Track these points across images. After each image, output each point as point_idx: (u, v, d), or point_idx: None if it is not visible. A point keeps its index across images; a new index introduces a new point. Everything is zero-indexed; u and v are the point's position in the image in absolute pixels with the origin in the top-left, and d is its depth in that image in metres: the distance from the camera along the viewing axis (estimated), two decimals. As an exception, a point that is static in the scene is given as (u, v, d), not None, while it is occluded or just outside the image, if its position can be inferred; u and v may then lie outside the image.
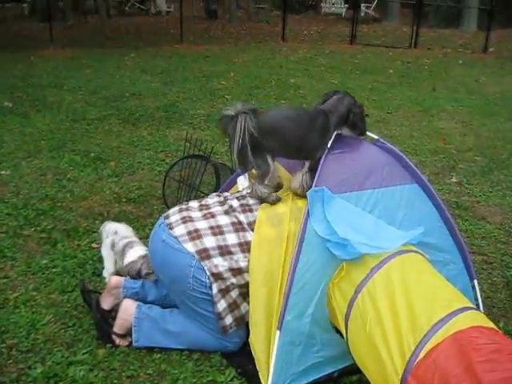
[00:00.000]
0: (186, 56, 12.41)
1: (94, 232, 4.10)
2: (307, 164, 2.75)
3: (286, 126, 2.73)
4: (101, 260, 3.70)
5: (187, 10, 17.75)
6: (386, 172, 2.76)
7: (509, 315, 3.32)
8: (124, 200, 4.72)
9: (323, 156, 2.65)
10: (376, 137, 2.98)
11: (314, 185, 2.53)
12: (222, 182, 4.41)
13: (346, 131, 2.88)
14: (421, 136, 7.04)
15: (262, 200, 2.77)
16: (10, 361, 2.75)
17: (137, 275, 3.06)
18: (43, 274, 3.55)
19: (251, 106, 2.66)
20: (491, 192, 5.27)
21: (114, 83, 9.23)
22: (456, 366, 1.98)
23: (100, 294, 3.12)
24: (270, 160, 2.69)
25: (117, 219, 4.29)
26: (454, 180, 5.53)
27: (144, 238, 4.01)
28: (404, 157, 2.90)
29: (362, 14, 21.91)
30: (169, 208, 4.31)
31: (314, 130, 2.73)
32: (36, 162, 5.55)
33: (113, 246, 3.34)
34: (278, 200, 2.75)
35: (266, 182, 2.70)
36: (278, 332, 2.40)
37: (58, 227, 4.16)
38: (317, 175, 2.56)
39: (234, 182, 3.34)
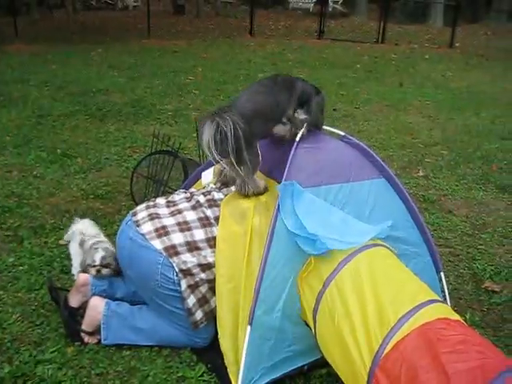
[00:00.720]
0: (154, 51, 12.32)
1: (61, 229, 4.05)
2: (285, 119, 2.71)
3: (260, 101, 2.65)
4: (68, 257, 3.66)
5: (154, 4, 17.62)
6: (353, 167, 2.76)
7: (475, 306, 3.37)
8: (91, 197, 4.68)
9: (292, 150, 2.64)
10: (342, 133, 2.97)
11: (284, 178, 2.52)
12: (189, 177, 4.40)
13: (301, 114, 2.77)
14: (388, 130, 7.11)
15: (256, 194, 2.68)
16: (-24, 361, 2.71)
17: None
18: (9, 272, 3.49)
19: (219, 108, 2.56)
20: (457, 186, 5.35)
21: (81, 78, 9.12)
22: (423, 357, 2.01)
23: (68, 291, 3.08)
24: (258, 149, 2.62)
25: (84, 216, 4.23)
26: (420, 174, 5.60)
27: (112, 235, 3.96)
28: (371, 151, 2.90)
29: (330, 9, 21.97)
30: (137, 204, 4.27)
31: (281, 88, 2.68)
32: (1, 158, 5.46)
33: (81, 243, 3.27)
34: (264, 191, 2.69)
35: (254, 176, 2.64)
36: (248, 327, 2.40)
37: (24, 225, 4.10)
38: (286, 169, 2.56)
39: (198, 178, 3.32)
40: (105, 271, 2.99)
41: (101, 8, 23.68)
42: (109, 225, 4.14)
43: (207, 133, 2.46)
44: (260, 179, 2.68)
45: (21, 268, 3.54)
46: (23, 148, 5.76)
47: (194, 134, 6.19)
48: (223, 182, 2.90)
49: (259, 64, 11.38)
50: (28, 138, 6.09)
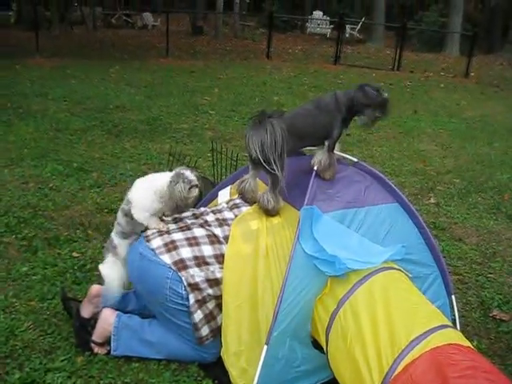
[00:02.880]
0: (171, 70, 12.46)
1: (75, 241, 4.11)
2: (327, 143, 2.80)
3: (299, 123, 2.74)
4: (81, 270, 3.72)
5: (173, 24, 17.84)
6: (367, 192, 2.83)
7: (482, 334, 3.38)
8: (106, 211, 4.73)
9: (312, 176, 2.70)
10: (355, 159, 3.05)
11: (305, 203, 2.58)
12: (203, 195, 4.45)
13: (367, 117, 2.87)
14: (401, 157, 7.15)
15: (266, 211, 2.74)
16: (-12, 367, 2.74)
17: None
18: (23, 281, 3.54)
19: (267, 113, 2.64)
20: (468, 214, 5.37)
21: (99, 94, 9.24)
22: (432, 380, 2.02)
23: (80, 302, 3.12)
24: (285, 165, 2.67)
25: (98, 230, 4.33)
26: (432, 201, 5.62)
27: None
28: (383, 177, 2.97)
29: (347, 35, 22.21)
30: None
31: (323, 113, 2.78)
32: (18, 169, 5.54)
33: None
34: (277, 212, 2.75)
35: (277, 192, 2.69)
36: (265, 347, 2.43)
37: (38, 235, 4.16)
38: (307, 194, 2.62)
39: (215, 196, 3.37)
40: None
41: (120, 26, 24.03)
42: (122, 239, 4.18)
43: (259, 135, 2.54)
44: (279, 198, 2.73)
45: (34, 277, 3.58)
46: (40, 161, 5.84)
47: (209, 154, 6.29)
48: (242, 196, 2.94)
49: (275, 87, 11.48)
50: (45, 151, 6.17)
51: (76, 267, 3.74)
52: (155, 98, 9.37)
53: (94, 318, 2.98)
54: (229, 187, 3.19)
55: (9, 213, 4.49)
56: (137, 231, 2.96)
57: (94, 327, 2.91)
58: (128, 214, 2.93)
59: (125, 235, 2.99)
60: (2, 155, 5.93)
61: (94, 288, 3.04)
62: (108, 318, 2.87)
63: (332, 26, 24.33)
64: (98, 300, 3.01)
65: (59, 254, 3.92)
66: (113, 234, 3.07)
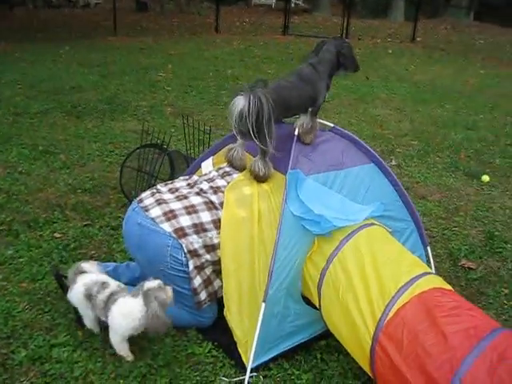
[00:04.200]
0: (121, 48, 12.32)
1: (55, 222, 4.17)
2: (310, 109, 2.95)
3: (285, 95, 2.85)
4: (65, 249, 3.79)
5: (116, 1, 17.51)
6: (345, 155, 3.00)
7: (453, 282, 3.61)
8: (79, 191, 4.78)
9: (294, 143, 2.85)
10: (331, 125, 3.21)
11: (289, 167, 2.72)
12: (176, 169, 4.56)
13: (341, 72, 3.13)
14: (359, 123, 7.36)
15: (257, 177, 2.86)
16: (-8, 347, 2.83)
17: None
18: (10, 264, 3.60)
19: (251, 84, 2.71)
20: (428, 173, 5.63)
21: (52, 76, 9.11)
22: (422, 321, 2.23)
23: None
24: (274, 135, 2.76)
25: (75, 210, 4.39)
26: (393, 163, 5.85)
27: (104, 227, 4.15)
28: (358, 140, 3.14)
29: (293, 5, 22.20)
30: (126, 197, 4.45)
31: (306, 85, 2.92)
32: (-16, 156, 5.51)
33: (88, 296, 2.81)
34: (267, 179, 2.86)
35: (267, 159, 2.81)
36: (263, 304, 2.59)
37: (17, 219, 4.19)
38: (290, 159, 2.76)
39: (198, 168, 3.48)
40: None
41: (61, 6, 23.40)
42: (100, 217, 4.28)
43: (241, 103, 2.62)
44: (270, 166, 2.85)
45: (21, 260, 3.64)
46: (4, 146, 5.79)
47: (172, 129, 6.37)
48: (230, 164, 3.05)
49: (227, 60, 11.51)
50: (7, 135, 6.12)
51: (60, 247, 3.81)
52: (110, 77, 9.30)
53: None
54: (211, 158, 3.31)
55: (-17, 199, 4.50)
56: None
57: (91, 301, 3.00)
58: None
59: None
60: (-36, 143, 5.87)
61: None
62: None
63: (277, -4, 24.29)
64: (90, 276, 3.10)
65: (41, 235, 3.98)
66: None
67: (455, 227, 4.44)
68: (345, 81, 9.92)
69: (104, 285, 2.79)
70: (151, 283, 2.67)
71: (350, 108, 8.17)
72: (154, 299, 2.61)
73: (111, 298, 2.71)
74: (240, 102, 2.62)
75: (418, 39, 15.27)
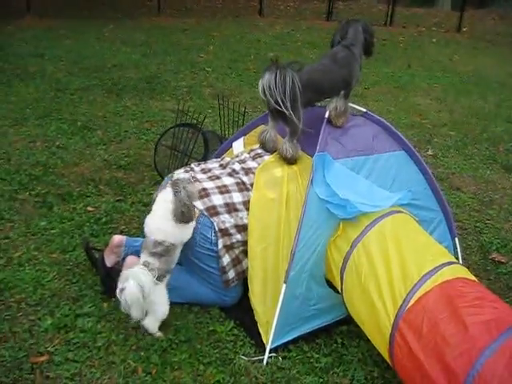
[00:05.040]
0: (164, 28, 12.38)
1: (88, 196, 4.25)
2: (343, 92, 2.96)
3: (317, 77, 2.87)
4: (97, 222, 3.86)
5: (163, -18, 17.59)
6: (376, 141, 2.98)
7: (482, 275, 3.57)
8: (114, 167, 4.85)
9: (323, 125, 2.84)
10: (363, 110, 3.19)
11: (317, 150, 2.72)
12: (210, 149, 4.58)
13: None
14: (397, 111, 7.27)
15: (285, 159, 2.87)
16: (21, 313, 2.90)
17: None
18: (42, 235, 3.68)
19: (290, 63, 2.75)
20: (465, 164, 5.54)
21: (95, 54, 9.22)
22: (443, 310, 2.21)
23: (100, 251, 3.27)
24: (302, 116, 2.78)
25: (108, 185, 4.47)
26: (429, 153, 5.78)
27: (137, 203, 4.20)
28: (391, 126, 3.11)
29: (338, -9, 21.96)
30: (159, 174, 4.50)
31: (341, 68, 2.93)
32: (24, 129, 5.61)
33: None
34: (295, 160, 2.88)
35: (295, 141, 2.82)
36: (284, 285, 2.60)
37: (52, 192, 4.28)
38: (319, 142, 2.75)
39: (229, 147, 3.49)
40: None
41: (108, -16, 23.61)
42: (133, 193, 4.34)
43: (267, 76, 2.65)
44: (297, 148, 2.86)
45: (53, 231, 3.73)
46: (44, 120, 5.90)
47: (209, 110, 6.39)
48: (263, 146, 3.06)
49: (269, 44, 11.47)
50: (48, 110, 6.23)
51: (92, 221, 3.88)
52: (151, 57, 9.37)
53: (116, 267, 3.13)
54: (242, 138, 3.32)
55: (20, 171, 4.60)
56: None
57: (118, 275, 3.05)
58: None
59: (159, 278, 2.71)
60: (6, 115, 5.99)
61: (116, 238, 3.18)
62: (133, 265, 3.01)
63: (322, -19, 24.07)
64: (120, 250, 3.16)
65: (74, 208, 4.06)
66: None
67: (488, 220, 4.37)
68: (386, 69, 9.81)
69: None
70: (181, 175, 2.76)
71: (390, 96, 8.06)
72: (183, 189, 2.64)
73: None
74: (267, 75, 2.65)
75: (464, 29, 14.94)
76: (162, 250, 2.69)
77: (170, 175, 3.04)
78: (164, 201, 2.69)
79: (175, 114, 4.69)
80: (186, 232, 2.75)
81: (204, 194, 2.87)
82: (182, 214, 2.62)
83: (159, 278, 2.69)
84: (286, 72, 2.63)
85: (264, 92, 2.67)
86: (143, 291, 2.57)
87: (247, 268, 2.89)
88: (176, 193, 2.64)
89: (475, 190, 4.95)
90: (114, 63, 8.63)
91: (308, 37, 12.55)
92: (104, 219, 3.91)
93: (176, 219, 2.64)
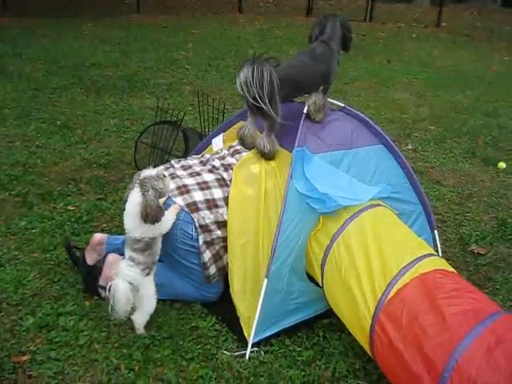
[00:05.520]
0: (144, 26, 12.33)
1: (68, 195, 4.24)
2: (322, 87, 2.96)
3: (295, 74, 2.88)
4: (78, 221, 3.85)
5: (141, -21, 17.51)
6: (354, 135, 3.00)
7: (461, 267, 3.62)
8: (94, 166, 4.84)
9: (301, 120, 2.85)
10: (342, 104, 3.21)
11: (296, 145, 2.73)
12: (191, 146, 4.58)
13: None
14: (377, 106, 7.31)
15: (263, 154, 2.88)
16: (2, 313, 2.89)
17: None
18: (23, 234, 3.66)
19: (267, 58, 2.75)
20: (444, 158, 5.60)
21: (74, 53, 9.16)
22: (422, 301, 2.24)
23: (81, 250, 3.26)
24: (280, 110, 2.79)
25: (89, 184, 4.45)
26: (409, 147, 5.83)
27: (118, 201, 4.19)
28: (369, 120, 3.14)
29: (317, -13, 22.00)
30: (140, 172, 4.48)
31: (320, 63, 2.94)
32: (2, 129, 5.56)
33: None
34: (273, 156, 2.88)
35: (273, 136, 2.83)
36: (265, 280, 2.62)
37: (32, 191, 4.26)
38: (297, 137, 2.77)
39: (208, 144, 3.50)
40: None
41: (86, -17, 23.45)
42: (114, 191, 4.33)
43: (244, 72, 2.65)
44: (275, 143, 2.86)
45: (33, 231, 3.71)
46: (23, 119, 5.87)
47: (190, 107, 6.38)
48: (242, 142, 3.05)
49: (249, 40, 11.47)
50: (27, 110, 6.19)
51: (73, 219, 3.87)
52: (131, 55, 9.33)
53: (97, 265, 3.12)
54: (221, 134, 3.33)
55: (-1, 171, 4.58)
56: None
57: (99, 273, 3.05)
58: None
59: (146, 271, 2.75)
60: (-16, 116, 5.95)
61: (97, 236, 3.18)
62: (114, 263, 3.00)
63: (302, -23, 24.12)
64: (101, 248, 3.16)
65: (54, 208, 4.04)
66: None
67: (467, 213, 4.42)
68: (366, 64, 9.86)
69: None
70: (148, 171, 2.71)
71: (370, 91, 8.11)
72: (151, 188, 2.63)
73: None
74: (244, 70, 2.64)
75: (443, 24, 15.04)
76: (143, 246, 2.71)
77: (137, 173, 3.03)
78: (133, 203, 2.70)
79: (155, 111, 4.69)
80: (163, 225, 2.76)
81: (184, 190, 2.88)
82: (147, 216, 2.63)
83: (146, 271, 2.72)
84: (262, 67, 2.63)
85: (241, 87, 2.67)
86: (132, 287, 2.60)
87: (227, 264, 2.90)
88: (144, 192, 2.64)
89: (455, 183, 5.00)
90: (92, 62, 8.58)
91: (288, 33, 12.57)
92: (85, 218, 3.90)
93: (143, 221, 2.66)
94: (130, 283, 2.61)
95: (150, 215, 2.62)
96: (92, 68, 8.30)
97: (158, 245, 2.79)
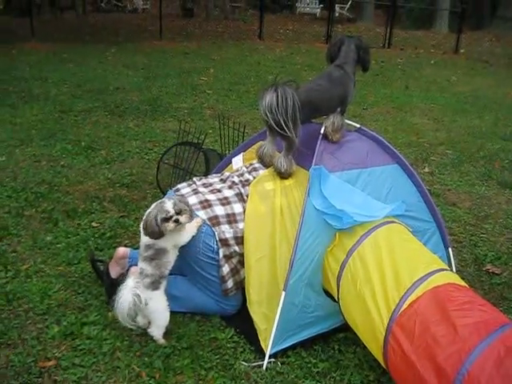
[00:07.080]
0: (166, 52, 12.64)
1: (92, 213, 4.37)
2: (339, 108, 3.07)
3: (314, 97, 2.99)
4: (101, 237, 3.98)
5: (163, 7, 17.92)
6: (370, 154, 3.10)
7: (476, 286, 3.66)
8: (117, 185, 4.98)
9: (319, 140, 2.96)
10: (358, 125, 3.31)
11: (313, 164, 2.84)
12: (211, 167, 4.70)
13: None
14: (395, 130, 7.42)
15: (280, 173, 2.98)
16: (29, 322, 3.00)
17: None
18: (49, 249, 3.79)
19: (287, 82, 2.85)
20: (461, 181, 5.66)
21: (98, 77, 9.43)
22: (434, 313, 2.31)
23: (105, 263, 3.37)
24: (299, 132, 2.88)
25: (113, 202, 4.59)
26: (426, 170, 5.91)
27: (140, 219, 4.24)
28: (384, 141, 3.23)
29: (337, 15, 22.32)
30: (162, 192, 4.61)
31: (337, 87, 3.05)
32: (29, 149, 5.76)
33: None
34: (290, 175, 2.98)
35: (290, 156, 2.93)
36: (283, 293, 2.71)
37: (57, 208, 4.40)
38: (315, 155, 2.88)
39: (228, 163, 3.62)
40: (183, 218, 2.80)
41: (110, 10, 24.03)
42: (136, 209, 4.46)
43: (268, 98, 2.75)
44: (292, 163, 2.97)
45: (58, 245, 3.84)
46: (49, 140, 6.06)
47: (210, 131, 6.53)
48: (261, 160, 3.15)
49: (269, 67, 11.70)
50: (52, 131, 6.39)
51: (96, 235, 4.00)
52: (153, 80, 9.57)
53: (121, 278, 3.22)
54: (241, 154, 3.45)
55: (26, 189, 4.73)
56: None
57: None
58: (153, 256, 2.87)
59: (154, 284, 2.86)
60: (12, 136, 6.15)
61: (120, 250, 3.29)
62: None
63: (321, 5, 24.46)
64: (125, 261, 3.26)
65: (79, 224, 4.17)
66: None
67: (483, 234, 4.48)
68: (384, 89, 9.99)
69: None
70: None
71: (388, 116, 8.23)
72: (156, 208, 2.81)
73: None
74: (268, 96, 2.74)
75: (462, 51, 15.20)
76: (153, 254, 2.84)
77: (174, 188, 3.15)
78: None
79: (177, 134, 4.83)
80: (177, 237, 2.88)
81: (207, 204, 3.00)
82: (145, 230, 2.81)
83: (154, 285, 2.83)
84: (286, 93, 2.73)
85: (266, 113, 2.77)
86: (137, 299, 2.74)
87: (244, 278, 2.99)
88: (149, 210, 2.83)
89: (471, 205, 5.06)
90: (116, 86, 8.82)
91: (307, 59, 12.79)
92: (108, 234, 4.03)
93: (145, 233, 2.83)
94: (136, 296, 2.74)
95: (147, 231, 2.79)
96: (116, 92, 8.53)
97: (168, 258, 2.89)
